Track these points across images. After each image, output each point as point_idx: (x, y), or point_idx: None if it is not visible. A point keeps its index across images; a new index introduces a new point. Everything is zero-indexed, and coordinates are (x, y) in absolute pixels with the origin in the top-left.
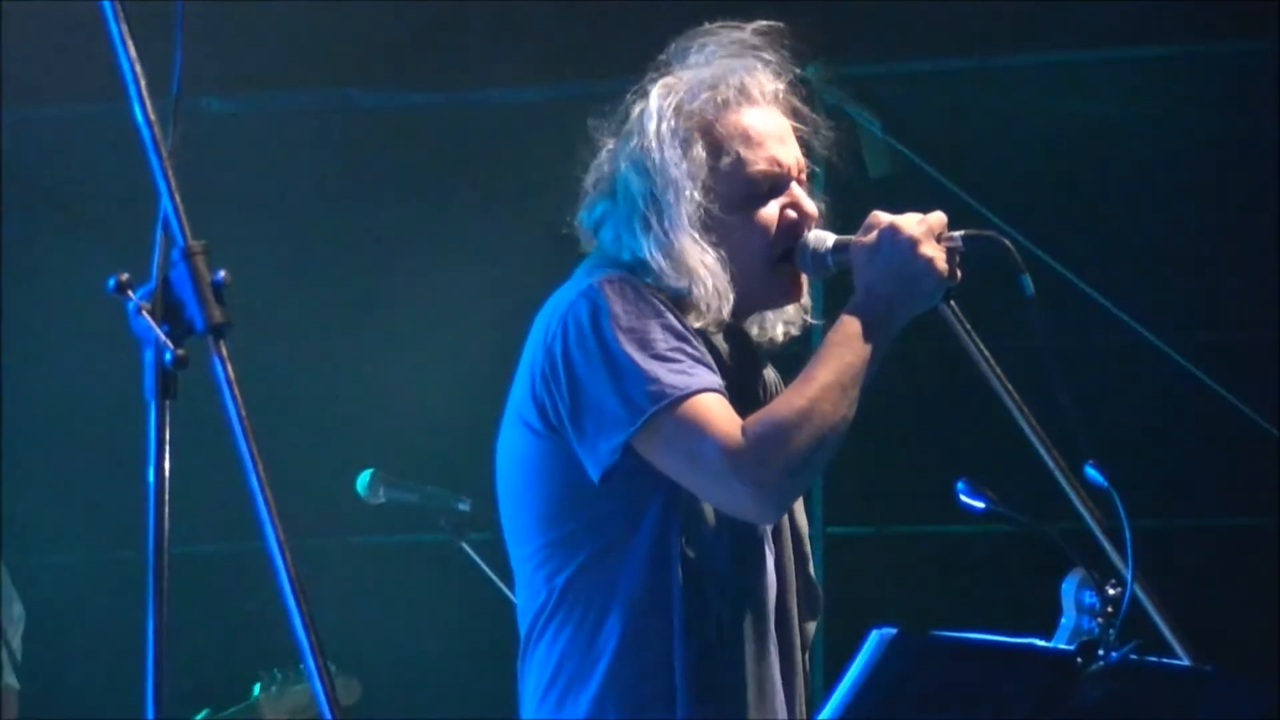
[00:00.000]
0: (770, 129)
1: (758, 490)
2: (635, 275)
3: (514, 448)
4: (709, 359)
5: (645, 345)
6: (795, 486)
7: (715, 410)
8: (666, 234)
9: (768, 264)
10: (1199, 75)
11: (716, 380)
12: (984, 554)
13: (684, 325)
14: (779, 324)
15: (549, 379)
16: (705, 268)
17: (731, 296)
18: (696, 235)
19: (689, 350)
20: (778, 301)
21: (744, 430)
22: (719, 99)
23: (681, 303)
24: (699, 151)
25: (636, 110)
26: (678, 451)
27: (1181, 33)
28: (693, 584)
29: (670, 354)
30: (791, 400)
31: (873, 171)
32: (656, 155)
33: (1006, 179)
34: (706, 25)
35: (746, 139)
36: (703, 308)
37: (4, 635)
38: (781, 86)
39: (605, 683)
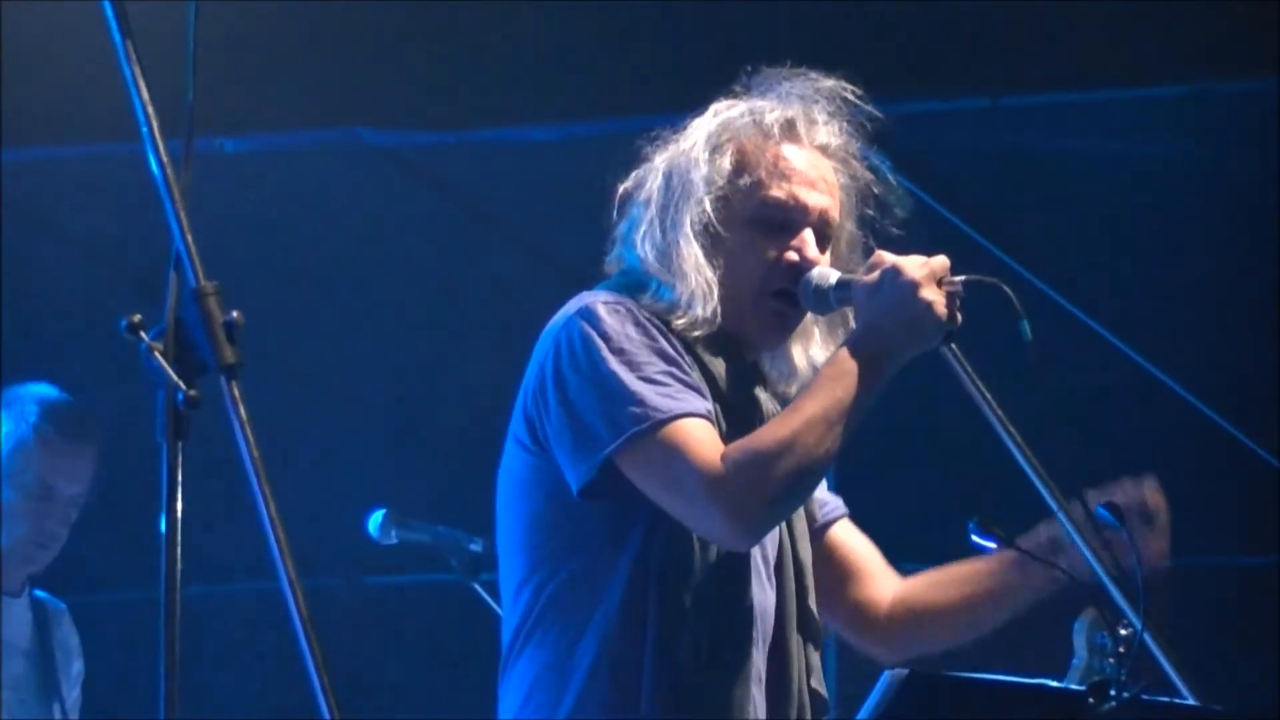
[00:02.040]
0: (804, 170)
1: (732, 518)
2: (633, 293)
3: (509, 464)
4: (701, 385)
5: (635, 367)
6: (772, 516)
7: (698, 436)
8: (666, 227)
9: (757, 295)
10: (1210, 114)
11: (704, 406)
12: None
13: (678, 351)
14: (795, 384)
15: (539, 396)
16: (694, 269)
17: (719, 305)
18: (695, 238)
19: (679, 375)
20: (759, 335)
21: (724, 458)
22: (766, 125)
23: (673, 308)
24: (725, 161)
25: (692, 123)
26: (657, 474)
27: (1192, 72)
28: (671, 605)
29: (659, 377)
30: (775, 431)
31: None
32: (685, 156)
33: (1016, 219)
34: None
35: (775, 168)
36: (684, 304)
37: (60, 692)
38: (840, 142)
39: (578, 700)
